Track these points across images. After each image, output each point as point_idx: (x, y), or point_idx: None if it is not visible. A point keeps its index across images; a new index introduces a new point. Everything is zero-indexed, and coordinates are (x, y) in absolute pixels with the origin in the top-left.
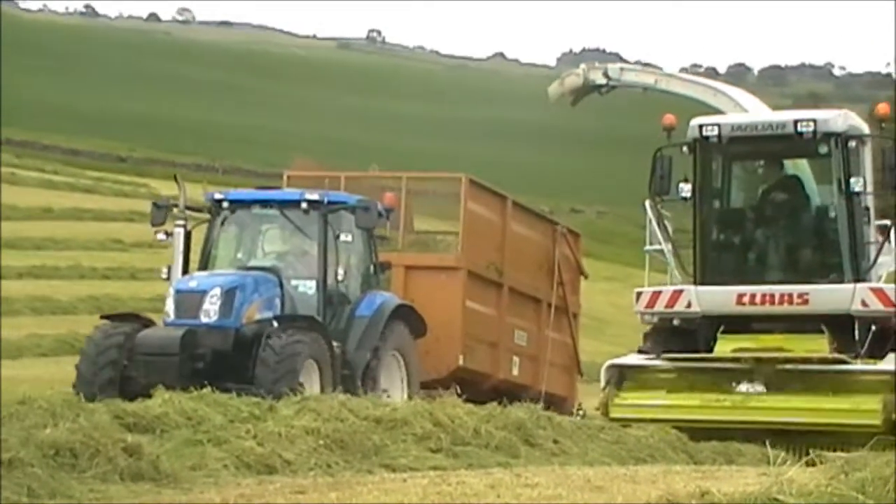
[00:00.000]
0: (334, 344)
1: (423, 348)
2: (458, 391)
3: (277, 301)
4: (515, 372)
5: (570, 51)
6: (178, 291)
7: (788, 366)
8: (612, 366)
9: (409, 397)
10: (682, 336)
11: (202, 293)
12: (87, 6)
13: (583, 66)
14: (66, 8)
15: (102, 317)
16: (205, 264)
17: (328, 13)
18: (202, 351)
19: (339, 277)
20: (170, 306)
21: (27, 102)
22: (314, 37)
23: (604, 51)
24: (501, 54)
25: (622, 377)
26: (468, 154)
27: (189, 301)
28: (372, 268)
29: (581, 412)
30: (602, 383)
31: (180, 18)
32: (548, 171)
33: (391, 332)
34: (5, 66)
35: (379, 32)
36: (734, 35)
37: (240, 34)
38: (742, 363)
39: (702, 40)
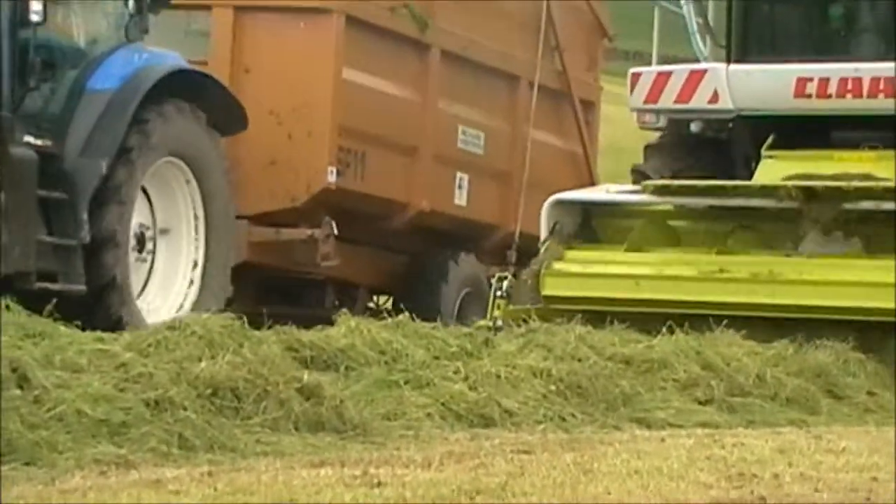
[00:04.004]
0: (35, 142)
1: (268, 156)
2: (335, 229)
3: None
4: (461, 200)
5: None
6: None
7: (865, 204)
8: (560, 203)
9: (207, 241)
10: (705, 153)
11: None
12: None
13: None
14: None
15: None
16: None
17: None
18: None
19: (36, 17)
20: None
21: None
22: None
23: None
24: None
25: (580, 224)
26: None
27: None
28: (130, 5)
29: (502, 284)
30: (542, 234)
31: None
32: None
33: (162, 121)
34: None
35: None
36: None
37: None
38: (784, 197)
39: None
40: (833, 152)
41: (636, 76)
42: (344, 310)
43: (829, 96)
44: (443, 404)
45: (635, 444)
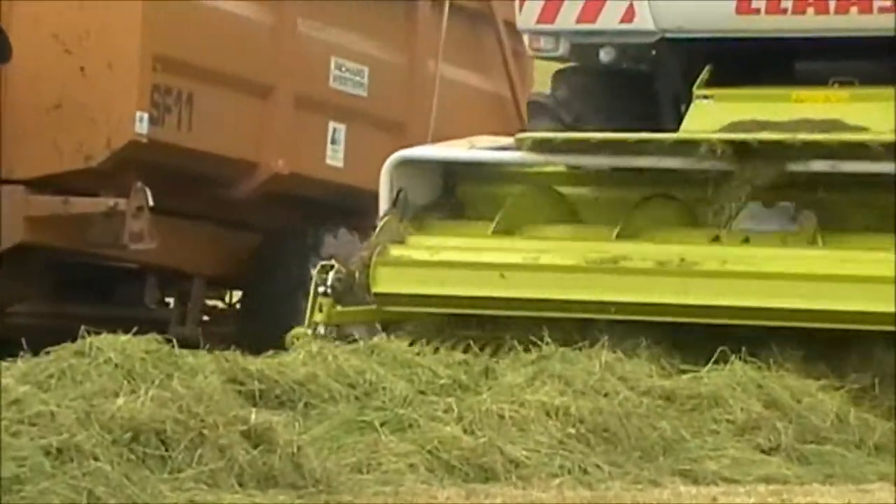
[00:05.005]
0: None
1: (51, 98)
2: (150, 199)
3: None
4: (335, 160)
5: None
6: None
7: (817, 165)
8: (406, 163)
9: None
10: (621, 91)
11: None
12: None
13: None
14: None
15: None
16: None
17: None
18: None
19: None
20: None
21: None
22: None
23: None
24: None
25: (439, 192)
26: None
27: None
28: None
29: (326, 276)
30: (381, 207)
31: None
32: None
33: None
34: None
35: None
36: None
37: None
38: (707, 156)
39: None
40: (791, 90)
41: None
42: (170, 307)
43: (784, 11)
44: (430, 452)
45: (679, 502)
